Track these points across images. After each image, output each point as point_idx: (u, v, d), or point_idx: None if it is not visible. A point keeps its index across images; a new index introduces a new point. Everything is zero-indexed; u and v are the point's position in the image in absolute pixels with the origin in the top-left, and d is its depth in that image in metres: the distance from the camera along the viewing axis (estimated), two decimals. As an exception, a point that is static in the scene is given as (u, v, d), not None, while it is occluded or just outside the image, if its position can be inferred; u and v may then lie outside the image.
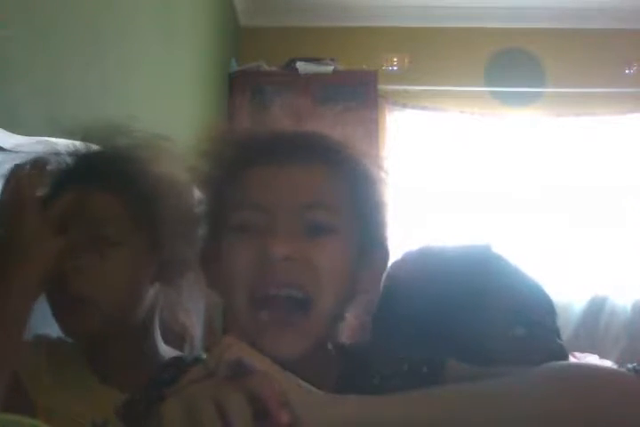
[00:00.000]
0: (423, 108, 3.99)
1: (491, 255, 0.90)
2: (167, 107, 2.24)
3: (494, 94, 4.01)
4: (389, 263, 0.81)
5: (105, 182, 0.86)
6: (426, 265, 0.89)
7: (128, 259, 0.85)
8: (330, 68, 3.62)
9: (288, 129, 0.73)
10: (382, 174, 0.75)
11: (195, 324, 0.98)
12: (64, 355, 0.87)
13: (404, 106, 3.99)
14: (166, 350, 0.91)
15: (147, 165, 0.87)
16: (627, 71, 4.03)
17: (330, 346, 0.73)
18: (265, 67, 3.66)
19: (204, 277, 0.76)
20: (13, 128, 1.07)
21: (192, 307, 0.98)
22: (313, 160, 0.70)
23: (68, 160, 0.89)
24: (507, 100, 4.00)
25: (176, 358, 0.80)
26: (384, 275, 0.79)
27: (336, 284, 0.67)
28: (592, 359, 2.79)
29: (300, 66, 3.59)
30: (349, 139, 0.73)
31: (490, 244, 0.92)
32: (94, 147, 0.89)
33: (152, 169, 0.87)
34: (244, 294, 0.66)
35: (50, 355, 0.87)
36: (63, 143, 0.90)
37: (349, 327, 0.76)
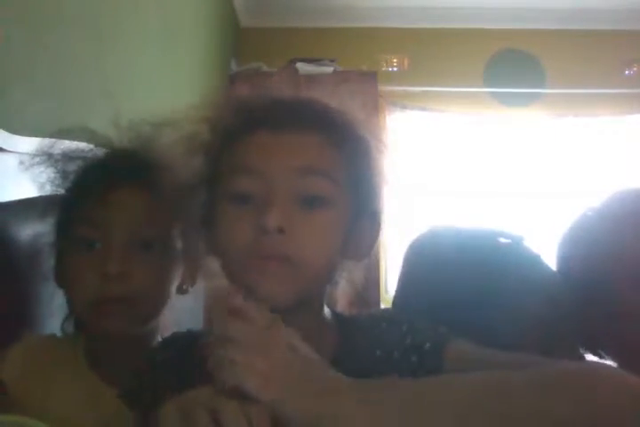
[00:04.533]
0: (423, 108, 3.99)
1: (523, 249, 0.88)
2: (167, 107, 2.23)
3: (494, 95, 4.01)
4: (413, 239, 0.81)
5: (143, 180, 0.84)
6: (456, 251, 0.86)
7: (165, 263, 0.84)
8: (330, 69, 3.62)
9: (287, 95, 0.74)
10: (380, 145, 0.76)
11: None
12: (62, 353, 0.87)
13: (404, 107, 3.99)
14: None
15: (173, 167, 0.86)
16: (626, 72, 4.03)
17: (327, 314, 0.74)
18: (265, 67, 3.65)
19: (204, 242, 0.77)
20: (14, 129, 1.07)
21: (191, 305, 0.97)
22: (310, 127, 0.71)
23: (101, 153, 0.88)
24: (506, 100, 4.00)
25: (167, 339, 0.80)
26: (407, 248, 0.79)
27: (325, 253, 0.69)
28: (592, 358, 2.78)
29: (300, 66, 3.59)
30: (347, 107, 0.74)
31: (523, 236, 0.90)
32: (127, 142, 0.88)
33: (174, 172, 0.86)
34: (238, 260, 0.68)
35: (46, 353, 0.87)
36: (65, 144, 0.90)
37: (343, 300, 0.78)
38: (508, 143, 3.98)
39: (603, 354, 0.99)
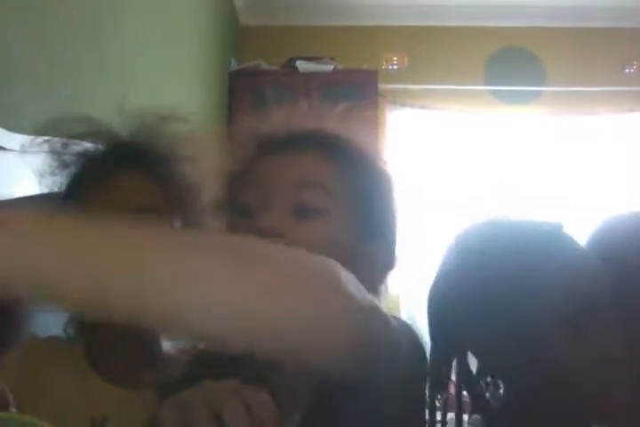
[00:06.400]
0: (423, 106, 3.99)
1: (563, 235, 0.90)
2: (167, 106, 2.24)
3: (494, 93, 4.01)
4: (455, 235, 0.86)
5: (147, 169, 0.86)
6: (496, 239, 0.89)
7: None
8: (330, 67, 3.62)
9: (303, 128, 0.76)
10: (388, 170, 0.78)
11: None
12: (60, 352, 0.87)
13: (404, 105, 3.99)
14: (168, 347, 0.91)
15: (183, 159, 0.87)
16: (626, 70, 4.03)
17: None
18: (265, 66, 3.66)
19: None
20: (14, 128, 1.08)
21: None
22: (317, 149, 0.74)
23: (104, 143, 0.88)
24: (506, 98, 4.00)
25: (197, 358, 0.80)
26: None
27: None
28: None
29: (300, 65, 3.59)
30: (355, 136, 0.77)
31: (562, 223, 0.92)
32: (131, 132, 0.88)
33: (186, 164, 0.87)
34: None
35: (44, 352, 0.87)
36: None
37: None
38: (508, 141, 3.98)
39: None
